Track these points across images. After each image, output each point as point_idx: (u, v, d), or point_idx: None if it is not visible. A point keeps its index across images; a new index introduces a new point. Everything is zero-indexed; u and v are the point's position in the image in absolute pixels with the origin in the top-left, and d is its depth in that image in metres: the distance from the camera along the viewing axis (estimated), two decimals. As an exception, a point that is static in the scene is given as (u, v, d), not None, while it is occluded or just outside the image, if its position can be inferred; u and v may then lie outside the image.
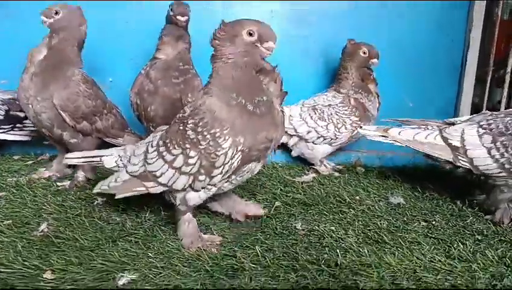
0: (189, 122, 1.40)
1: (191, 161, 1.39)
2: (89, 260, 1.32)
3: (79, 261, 1.31)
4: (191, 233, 1.50)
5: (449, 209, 1.87)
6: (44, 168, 2.18)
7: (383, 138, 1.99)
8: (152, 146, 1.51)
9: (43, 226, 1.54)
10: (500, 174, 1.71)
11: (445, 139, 1.83)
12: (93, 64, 2.28)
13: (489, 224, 1.71)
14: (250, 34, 1.37)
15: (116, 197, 1.54)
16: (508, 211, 1.75)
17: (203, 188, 1.44)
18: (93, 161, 1.73)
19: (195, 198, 1.47)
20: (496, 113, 1.85)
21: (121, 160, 1.63)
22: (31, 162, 2.35)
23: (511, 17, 3.26)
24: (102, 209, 1.73)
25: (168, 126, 1.55)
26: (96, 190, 1.62)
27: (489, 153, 1.72)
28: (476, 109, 2.64)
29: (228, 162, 1.38)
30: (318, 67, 2.58)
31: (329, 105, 2.26)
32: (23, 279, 1.21)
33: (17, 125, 2.26)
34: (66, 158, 1.78)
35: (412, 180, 2.25)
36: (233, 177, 1.47)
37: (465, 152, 1.77)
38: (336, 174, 2.35)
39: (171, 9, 1.97)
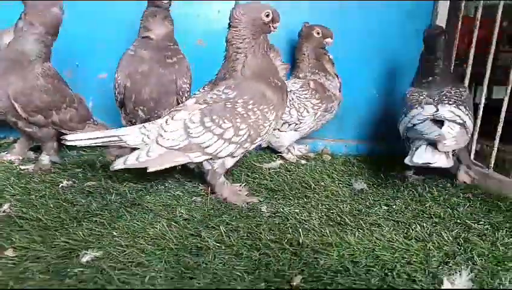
0: (238, 100, 1.69)
1: (241, 132, 1.69)
2: (52, 238, 1.31)
3: (42, 240, 1.30)
4: (233, 190, 1.79)
5: (409, 195, 1.94)
6: (6, 152, 2.13)
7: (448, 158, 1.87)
8: (193, 122, 1.67)
9: (5, 207, 1.52)
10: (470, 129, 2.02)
11: (453, 122, 1.97)
12: (60, 48, 2.25)
13: (447, 208, 1.79)
14: (267, 16, 1.71)
15: (149, 171, 1.63)
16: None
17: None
18: (109, 142, 1.73)
19: (230, 162, 1.78)
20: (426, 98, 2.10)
21: (147, 137, 1.70)
22: (-7, 145, 2.30)
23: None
24: (67, 192, 1.72)
25: (198, 105, 1.72)
26: (117, 167, 1.66)
27: (468, 116, 1.99)
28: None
29: (268, 131, 1.76)
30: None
31: (290, 91, 2.29)
32: (-16, 256, 1.19)
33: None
34: (67, 141, 1.70)
35: (376, 167, 2.33)
36: None
37: (465, 123, 1.96)
38: (303, 161, 2.40)
39: None
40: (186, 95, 2.06)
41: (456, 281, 1.18)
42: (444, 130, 1.86)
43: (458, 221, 1.66)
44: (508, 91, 2.06)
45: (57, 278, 1.13)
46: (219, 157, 1.72)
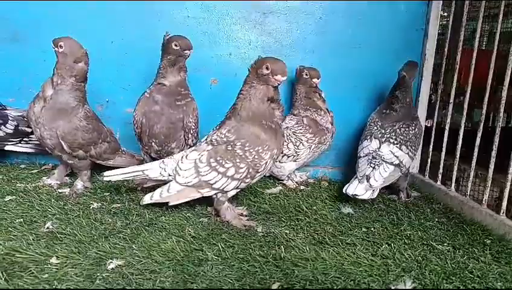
0: (236, 143, 2.00)
1: (241, 170, 2.00)
2: (85, 250, 1.66)
3: (78, 251, 1.65)
4: (234, 215, 2.09)
5: (389, 219, 2.22)
6: (47, 177, 2.52)
7: (373, 192, 2.34)
8: (202, 162, 2.02)
9: (48, 224, 1.88)
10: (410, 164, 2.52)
11: (391, 163, 2.40)
12: (93, 86, 2.64)
13: (419, 231, 2.06)
14: (267, 68, 1.96)
15: (170, 204, 2.05)
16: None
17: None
18: (136, 176, 2.16)
19: (232, 193, 2.09)
20: (380, 129, 2.53)
21: (164, 170, 2.10)
22: (35, 170, 2.68)
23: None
24: (97, 212, 2.07)
25: (207, 147, 2.07)
26: (145, 202, 2.08)
27: (408, 155, 2.44)
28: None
29: (266, 167, 2.04)
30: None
31: (287, 127, 2.62)
32: (35, 262, 1.55)
33: (24, 139, 2.60)
34: (105, 177, 2.12)
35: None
36: None
37: (402, 163, 2.41)
38: (302, 187, 2.71)
39: (177, 45, 2.28)
40: (192, 132, 2.41)
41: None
42: (373, 174, 2.33)
43: (425, 242, 1.94)
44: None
45: (89, 280, 1.48)
46: (226, 192, 2.06)
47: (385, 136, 2.47)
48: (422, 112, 2.99)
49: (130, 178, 2.19)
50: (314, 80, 2.65)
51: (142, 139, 2.46)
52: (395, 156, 2.40)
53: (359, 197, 2.26)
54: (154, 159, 2.49)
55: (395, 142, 2.45)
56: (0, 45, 2.71)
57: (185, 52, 2.30)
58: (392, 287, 1.49)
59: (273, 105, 2.04)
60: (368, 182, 2.30)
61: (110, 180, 2.16)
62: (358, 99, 2.99)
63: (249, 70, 2.06)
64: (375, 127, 2.54)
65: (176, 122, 2.37)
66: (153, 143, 2.41)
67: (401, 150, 2.43)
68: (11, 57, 2.72)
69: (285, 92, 2.90)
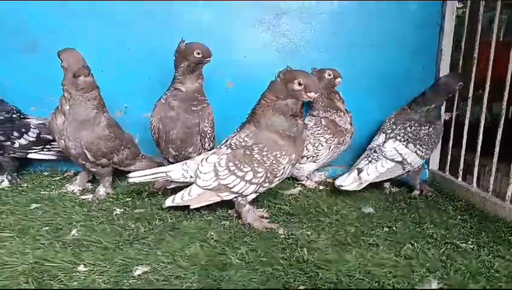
0: (254, 148, 2.00)
1: (259, 175, 2.00)
2: (111, 257, 1.69)
3: (104, 258, 1.68)
4: (255, 217, 2.09)
5: (411, 218, 2.21)
6: (69, 183, 2.56)
7: (360, 184, 2.43)
8: (221, 166, 2.04)
9: (74, 231, 1.92)
10: (421, 163, 2.55)
11: (391, 160, 2.43)
12: (112, 93, 2.68)
13: (442, 229, 2.05)
14: (300, 84, 1.92)
15: (191, 207, 2.09)
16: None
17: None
18: (159, 177, 2.20)
19: (252, 196, 2.11)
20: (395, 127, 2.58)
21: (186, 172, 2.14)
22: (58, 177, 2.73)
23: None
24: (120, 218, 2.10)
25: (226, 150, 2.09)
26: (167, 205, 2.13)
27: (416, 153, 2.48)
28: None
29: (284, 171, 2.03)
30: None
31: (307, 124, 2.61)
32: (63, 270, 1.58)
33: (46, 146, 2.65)
34: (130, 178, 2.17)
35: (387, 192, 2.61)
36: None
37: (406, 161, 2.47)
38: (321, 187, 2.71)
39: (200, 53, 2.32)
40: (208, 136, 2.44)
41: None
42: (367, 168, 2.44)
43: (448, 241, 1.92)
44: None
45: (117, 287, 1.50)
46: (244, 196, 2.07)
47: (394, 132, 2.53)
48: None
49: (153, 179, 2.22)
50: (338, 79, 2.64)
51: (159, 145, 2.49)
52: (399, 153, 2.45)
53: (343, 188, 2.39)
54: (172, 164, 2.52)
55: (402, 139, 2.49)
56: (20, 54, 2.76)
57: (206, 59, 2.35)
58: (418, 288, 1.48)
59: (296, 117, 2.03)
60: (358, 175, 2.39)
61: (134, 182, 2.20)
62: (375, 98, 2.97)
63: (276, 78, 2.02)
64: (388, 124, 2.60)
65: (192, 127, 2.39)
66: (170, 148, 2.44)
67: (407, 147, 2.47)
68: (32, 66, 2.77)
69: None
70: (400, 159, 2.44)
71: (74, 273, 1.57)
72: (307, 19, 2.86)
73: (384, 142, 2.51)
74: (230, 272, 1.60)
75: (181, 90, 2.36)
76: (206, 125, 2.41)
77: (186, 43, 2.35)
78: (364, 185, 2.41)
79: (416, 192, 2.61)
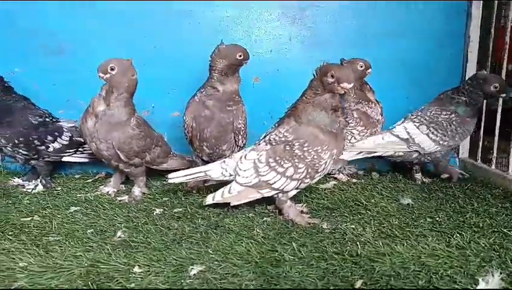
0: (295, 143, 1.98)
1: (300, 170, 1.98)
2: (164, 257, 1.69)
3: (157, 259, 1.67)
4: (297, 213, 2.09)
5: (451, 207, 2.20)
6: (103, 185, 2.57)
7: (356, 154, 2.55)
8: (261, 162, 2.02)
9: (119, 233, 1.92)
10: (437, 149, 2.52)
11: (396, 136, 2.49)
12: (139, 93, 2.67)
13: (486, 218, 2.04)
14: (332, 76, 1.90)
15: (231, 205, 2.09)
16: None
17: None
18: (199, 177, 2.19)
19: (293, 192, 2.10)
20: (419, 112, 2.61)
21: (226, 171, 2.13)
22: (90, 180, 2.74)
23: None
24: (161, 218, 2.10)
25: (266, 146, 2.07)
26: (208, 203, 2.13)
27: (428, 136, 2.49)
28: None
29: (326, 167, 2.01)
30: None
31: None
32: (119, 272, 1.57)
33: (79, 149, 2.65)
34: (170, 179, 2.17)
35: (421, 182, 2.60)
36: None
37: (413, 140, 2.50)
38: (354, 180, 2.69)
39: (241, 55, 2.35)
40: (241, 133, 2.44)
41: (490, 281, 1.45)
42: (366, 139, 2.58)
43: (495, 229, 1.91)
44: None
45: (175, 287, 1.50)
46: (285, 192, 2.06)
47: (413, 115, 2.58)
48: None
49: (193, 179, 2.21)
50: (369, 70, 2.62)
51: (193, 143, 2.48)
52: (407, 131, 2.51)
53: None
54: (206, 162, 2.52)
55: (416, 120, 2.54)
56: (47, 58, 2.77)
57: (245, 61, 2.39)
58: (479, 279, 1.47)
59: (336, 113, 2.00)
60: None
61: (174, 182, 2.21)
62: (401, 87, 2.95)
63: (314, 75, 2.01)
64: (414, 111, 2.64)
65: (226, 125, 2.39)
66: (204, 146, 2.44)
67: (419, 128, 2.51)
68: (58, 69, 2.78)
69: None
70: (405, 136, 2.49)
71: (130, 275, 1.56)
72: (331, 10, 2.85)
73: (399, 124, 2.58)
74: (286, 269, 1.60)
75: (218, 90, 2.35)
76: (240, 122, 2.41)
77: (225, 45, 2.36)
78: (363, 156, 2.59)
79: (445, 175, 2.67)
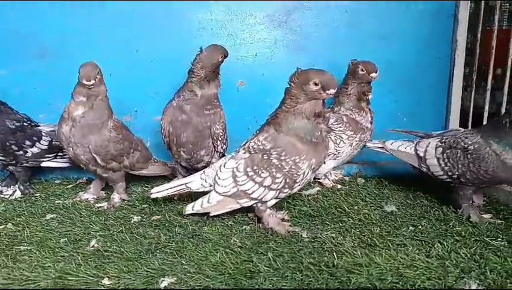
0: (272, 153, 1.93)
1: (277, 180, 1.93)
2: (135, 268, 1.64)
3: (128, 270, 1.63)
4: (276, 221, 2.05)
5: (435, 215, 2.15)
6: (83, 191, 2.52)
7: (382, 149, 2.45)
8: (239, 171, 1.98)
9: (93, 242, 1.87)
10: (445, 179, 2.18)
11: (415, 151, 2.29)
12: (121, 97, 2.63)
13: (469, 226, 2.00)
14: (316, 84, 1.83)
15: (211, 215, 2.05)
16: (470, 209, 2.13)
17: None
18: (180, 190, 2.16)
19: (272, 202, 2.05)
20: (465, 130, 2.26)
21: (205, 181, 2.10)
22: (71, 185, 2.68)
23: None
24: (138, 226, 2.06)
25: (244, 154, 2.03)
26: (187, 212, 2.09)
27: (438, 161, 2.18)
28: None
29: (304, 177, 1.95)
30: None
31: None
32: (87, 284, 1.53)
33: (59, 153, 2.60)
34: (152, 194, 2.16)
35: (406, 189, 2.55)
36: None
37: (425, 161, 2.24)
38: (339, 186, 2.65)
39: (222, 56, 2.31)
40: (220, 138, 2.39)
41: (467, 294, 1.41)
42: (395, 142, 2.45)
43: (477, 238, 1.87)
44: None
45: (144, 300, 1.46)
46: (264, 202, 2.02)
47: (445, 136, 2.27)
48: (456, 97, 2.90)
49: (175, 192, 2.17)
50: (372, 74, 2.51)
51: (171, 148, 2.44)
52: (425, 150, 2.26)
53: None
54: (184, 168, 2.51)
55: (439, 142, 2.22)
56: (29, 61, 2.71)
57: (223, 59, 2.35)
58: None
59: (318, 120, 1.95)
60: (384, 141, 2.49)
61: (157, 197, 2.19)
62: (389, 91, 2.91)
63: (289, 83, 1.94)
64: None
65: (203, 130, 2.34)
66: (181, 152, 2.39)
67: (435, 150, 2.21)
68: (40, 73, 2.72)
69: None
70: (421, 154, 2.27)
71: (99, 287, 1.52)
72: (318, 13, 2.80)
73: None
74: (259, 280, 1.56)
75: (196, 94, 2.31)
76: (218, 128, 2.36)
77: (205, 50, 2.31)
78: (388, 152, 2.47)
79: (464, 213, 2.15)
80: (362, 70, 2.54)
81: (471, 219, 2.06)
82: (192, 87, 2.31)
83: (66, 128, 2.18)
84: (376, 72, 2.53)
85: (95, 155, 2.20)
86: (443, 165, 2.15)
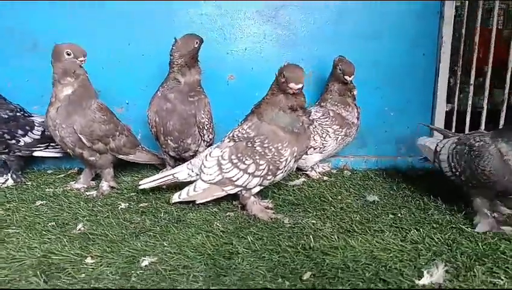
0: (256, 140, 2.00)
1: (261, 167, 2.00)
2: (118, 249, 1.70)
3: (111, 250, 1.69)
4: (260, 208, 2.10)
5: (416, 204, 2.20)
6: (73, 181, 2.57)
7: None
8: (224, 159, 2.05)
9: (80, 226, 1.93)
10: (450, 176, 2.08)
11: (436, 146, 2.23)
12: (113, 90, 2.68)
13: (447, 215, 2.05)
14: (283, 76, 1.94)
15: (197, 202, 2.10)
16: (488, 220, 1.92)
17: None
18: (167, 180, 2.22)
19: (256, 189, 2.11)
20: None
21: (192, 171, 2.16)
22: (62, 175, 2.74)
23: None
24: (125, 212, 2.11)
25: (229, 143, 2.09)
26: (174, 201, 2.14)
27: (447, 157, 2.09)
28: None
29: (287, 164, 2.00)
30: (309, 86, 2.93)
31: (313, 119, 2.59)
32: (71, 263, 1.59)
33: (51, 143, 2.65)
34: (140, 185, 2.24)
35: (391, 180, 2.61)
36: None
37: (438, 156, 2.17)
38: (325, 177, 2.70)
39: (197, 42, 2.39)
40: (206, 127, 2.46)
41: (434, 273, 1.47)
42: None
43: (454, 226, 1.92)
44: None
45: (125, 278, 1.51)
46: (249, 189, 2.08)
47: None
48: (441, 95, 2.96)
49: (163, 183, 2.24)
50: (347, 76, 2.58)
51: (159, 138, 2.51)
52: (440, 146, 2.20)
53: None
54: (173, 158, 2.57)
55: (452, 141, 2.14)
56: (21, 54, 2.77)
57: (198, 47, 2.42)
58: (424, 271, 1.48)
59: (297, 113, 2.02)
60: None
61: (144, 188, 2.26)
62: (375, 88, 2.96)
63: (275, 74, 2.05)
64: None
65: (188, 117, 2.41)
66: (169, 141, 2.46)
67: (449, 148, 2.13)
68: (32, 65, 2.77)
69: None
70: (438, 149, 2.19)
71: (82, 266, 1.58)
72: (306, 10, 2.85)
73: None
74: (237, 261, 1.61)
75: (179, 82, 2.37)
76: (203, 116, 2.42)
77: (180, 39, 2.40)
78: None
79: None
80: (340, 70, 2.61)
81: (476, 229, 1.90)
82: (175, 75, 2.39)
83: (53, 112, 2.25)
84: (350, 76, 2.60)
85: (80, 136, 2.26)
86: (450, 160, 2.08)
